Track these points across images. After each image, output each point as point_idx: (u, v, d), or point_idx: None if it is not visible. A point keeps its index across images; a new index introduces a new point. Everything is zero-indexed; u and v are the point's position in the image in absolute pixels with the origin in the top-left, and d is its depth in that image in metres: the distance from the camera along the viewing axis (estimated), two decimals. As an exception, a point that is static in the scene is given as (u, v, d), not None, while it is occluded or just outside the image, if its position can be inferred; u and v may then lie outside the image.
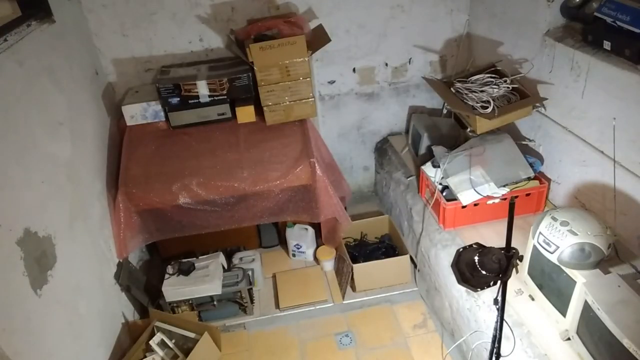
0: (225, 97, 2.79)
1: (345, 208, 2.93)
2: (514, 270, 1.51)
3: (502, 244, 1.53)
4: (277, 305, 2.92)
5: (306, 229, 3.16)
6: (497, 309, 1.60)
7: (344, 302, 2.92)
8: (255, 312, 2.88)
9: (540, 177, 2.58)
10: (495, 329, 1.66)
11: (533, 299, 2.12)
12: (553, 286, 1.98)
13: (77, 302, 2.09)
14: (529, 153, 2.65)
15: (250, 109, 2.81)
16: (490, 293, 1.59)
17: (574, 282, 1.82)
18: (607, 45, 2.05)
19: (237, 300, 2.81)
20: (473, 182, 2.50)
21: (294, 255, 3.22)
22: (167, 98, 2.74)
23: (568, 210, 1.97)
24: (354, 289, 2.96)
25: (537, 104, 2.53)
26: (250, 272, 2.89)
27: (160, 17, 2.86)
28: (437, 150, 2.72)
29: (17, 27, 2.05)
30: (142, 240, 2.72)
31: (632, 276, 1.79)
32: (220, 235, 2.83)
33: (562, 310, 1.91)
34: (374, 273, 2.91)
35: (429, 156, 2.82)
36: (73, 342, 2.00)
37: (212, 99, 2.78)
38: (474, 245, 1.61)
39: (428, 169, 2.73)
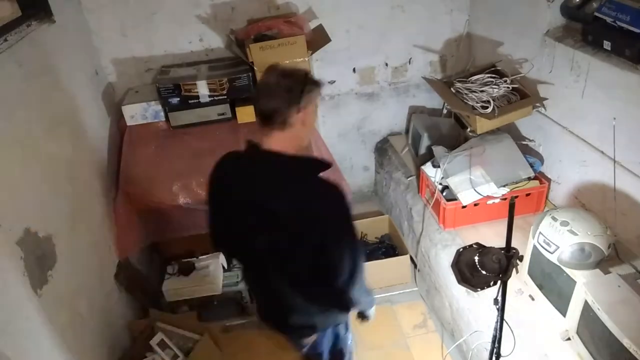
0: (225, 97, 2.78)
1: (345, 208, 2.93)
2: (514, 270, 1.51)
3: (502, 244, 1.53)
4: (277, 305, 2.91)
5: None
6: (497, 309, 1.61)
7: (344, 302, 2.92)
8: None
9: (540, 177, 2.58)
10: (495, 329, 1.66)
11: (533, 299, 2.12)
12: (553, 286, 1.98)
13: (77, 302, 2.08)
14: (529, 153, 2.65)
15: (250, 109, 2.80)
16: (491, 293, 1.59)
17: (574, 282, 1.82)
18: (607, 45, 2.05)
19: (237, 300, 2.81)
20: (473, 182, 2.50)
21: (294, 255, 3.22)
22: (167, 98, 2.74)
23: (568, 210, 1.97)
24: (354, 289, 2.95)
25: (537, 104, 2.53)
26: (250, 272, 2.88)
27: (160, 17, 2.86)
28: (437, 150, 2.72)
29: (17, 27, 2.05)
30: (142, 240, 2.72)
31: (632, 276, 1.79)
32: (220, 235, 2.83)
33: (562, 310, 1.91)
34: (374, 273, 2.90)
35: (429, 156, 2.82)
36: (73, 342, 2.00)
37: (212, 99, 2.78)
38: (474, 245, 1.61)
39: (428, 169, 2.73)
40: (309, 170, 1.53)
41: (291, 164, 1.51)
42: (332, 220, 1.48)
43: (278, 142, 1.50)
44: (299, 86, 1.45)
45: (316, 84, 1.49)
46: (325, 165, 1.55)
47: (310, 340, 1.79)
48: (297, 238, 1.48)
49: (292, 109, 1.44)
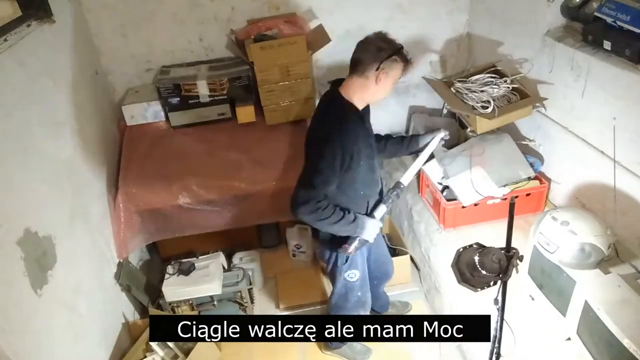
0: (225, 97, 2.78)
1: (345, 208, 2.94)
2: (514, 270, 1.51)
3: (502, 244, 1.53)
4: (277, 305, 2.92)
5: (306, 229, 3.16)
6: (497, 309, 1.61)
7: (344, 302, 2.92)
8: (255, 312, 2.88)
9: (540, 177, 2.58)
10: (495, 329, 1.66)
11: (533, 299, 2.12)
12: (553, 286, 1.98)
13: (77, 302, 2.09)
14: (529, 153, 2.65)
15: (250, 109, 2.81)
16: (491, 293, 1.59)
17: (574, 282, 1.82)
18: (607, 45, 2.05)
19: (237, 300, 2.81)
20: (473, 182, 2.49)
21: (294, 255, 3.22)
22: (167, 98, 2.74)
23: (568, 210, 1.97)
24: (354, 289, 2.95)
25: (537, 104, 2.53)
26: (250, 272, 2.88)
27: (160, 17, 2.86)
28: (437, 150, 2.72)
29: (17, 27, 2.05)
30: (142, 240, 2.72)
31: (632, 276, 1.79)
32: (220, 235, 2.83)
33: (562, 310, 1.91)
34: (374, 273, 2.90)
35: (429, 156, 2.82)
36: (73, 342, 2.00)
37: (212, 99, 2.78)
38: (474, 245, 1.61)
39: (429, 168, 2.73)
40: (337, 108, 1.85)
41: (336, 98, 1.86)
42: (315, 145, 1.84)
43: (349, 83, 1.85)
44: (389, 51, 1.77)
45: (404, 61, 1.81)
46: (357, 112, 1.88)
47: (316, 245, 2.17)
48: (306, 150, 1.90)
49: (373, 64, 1.77)
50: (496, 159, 2.55)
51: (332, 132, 1.79)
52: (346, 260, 2.11)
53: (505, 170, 2.53)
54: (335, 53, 3.08)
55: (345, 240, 1.95)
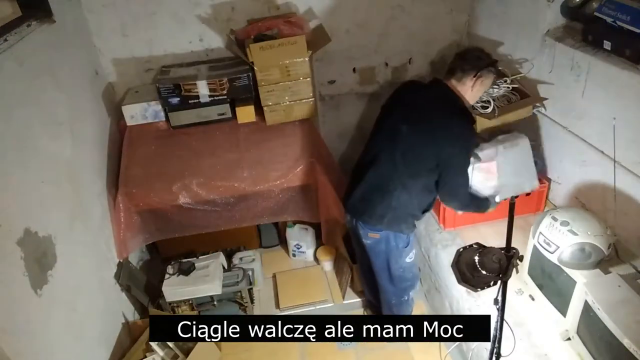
0: (225, 97, 2.78)
1: (345, 208, 2.94)
2: (514, 270, 1.51)
3: (502, 244, 1.53)
4: (277, 305, 2.92)
5: (306, 229, 3.16)
6: (497, 309, 1.61)
7: (344, 302, 2.92)
8: (255, 312, 2.88)
9: (540, 177, 2.57)
10: (496, 329, 1.66)
11: (533, 299, 2.12)
12: (553, 286, 1.98)
13: (77, 302, 2.09)
14: (529, 153, 2.65)
15: (250, 109, 2.81)
16: (491, 293, 1.59)
17: (574, 282, 1.82)
18: (607, 45, 2.05)
19: (237, 300, 2.81)
20: (475, 187, 2.38)
21: (294, 255, 3.22)
22: (167, 98, 2.74)
23: (568, 210, 1.97)
24: (354, 289, 2.96)
25: (537, 104, 2.53)
26: (250, 272, 2.89)
27: (160, 17, 2.85)
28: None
29: (17, 27, 2.05)
30: (142, 240, 2.72)
31: (632, 276, 1.79)
32: (220, 235, 2.83)
33: (562, 310, 1.91)
34: (374, 273, 2.90)
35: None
36: (73, 342, 2.00)
37: (212, 99, 2.77)
38: (474, 245, 1.61)
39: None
40: (459, 110, 2.05)
41: (457, 100, 2.08)
42: (452, 150, 2.00)
43: (453, 85, 2.08)
44: (486, 62, 2.05)
45: (497, 73, 2.10)
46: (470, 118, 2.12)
47: (374, 235, 2.23)
48: (431, 146, 2.01)
49: (471, 72, 2.03)
50: (507, 169, 2.24)
51: (469, 134, 2.07)
52: (407, 244, 2.28)
53: (511, 184, 2.29)
54: (336, 52, 3.10)
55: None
